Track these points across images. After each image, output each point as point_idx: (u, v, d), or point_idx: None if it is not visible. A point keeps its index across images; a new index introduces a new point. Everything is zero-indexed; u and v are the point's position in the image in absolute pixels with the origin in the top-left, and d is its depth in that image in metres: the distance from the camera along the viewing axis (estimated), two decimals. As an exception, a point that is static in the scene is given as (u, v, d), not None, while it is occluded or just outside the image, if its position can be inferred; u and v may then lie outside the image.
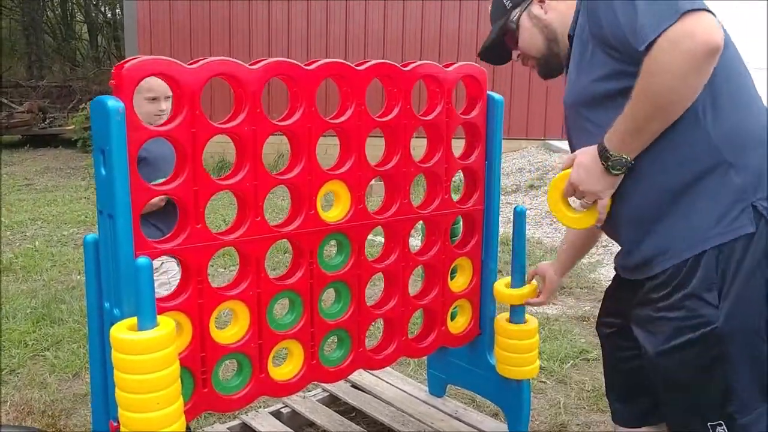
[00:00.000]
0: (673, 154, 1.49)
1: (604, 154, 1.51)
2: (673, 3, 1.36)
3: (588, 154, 1.55)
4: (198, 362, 1.82)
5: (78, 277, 4.65)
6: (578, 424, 2.79)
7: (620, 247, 1.69)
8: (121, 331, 1.55)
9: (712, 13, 1.36)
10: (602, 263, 5.05)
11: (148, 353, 1.53)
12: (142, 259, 1.55)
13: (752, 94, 1.54)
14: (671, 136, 1.47)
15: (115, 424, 1.74)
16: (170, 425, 1.60)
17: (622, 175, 1.53)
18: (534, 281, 2.27)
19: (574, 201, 1.68)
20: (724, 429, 1.52)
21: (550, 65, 1.78)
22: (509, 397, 2.42)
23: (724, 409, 1.51)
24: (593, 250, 5.36)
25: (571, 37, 1.65)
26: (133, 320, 1.59)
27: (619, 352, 1.82)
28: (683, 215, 1.50)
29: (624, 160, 1.49)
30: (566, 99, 1.68)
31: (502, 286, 2.30)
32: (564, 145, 8.88)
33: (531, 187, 7.52)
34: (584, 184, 1.56)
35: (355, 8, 9.05)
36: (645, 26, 1.38)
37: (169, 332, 1.57)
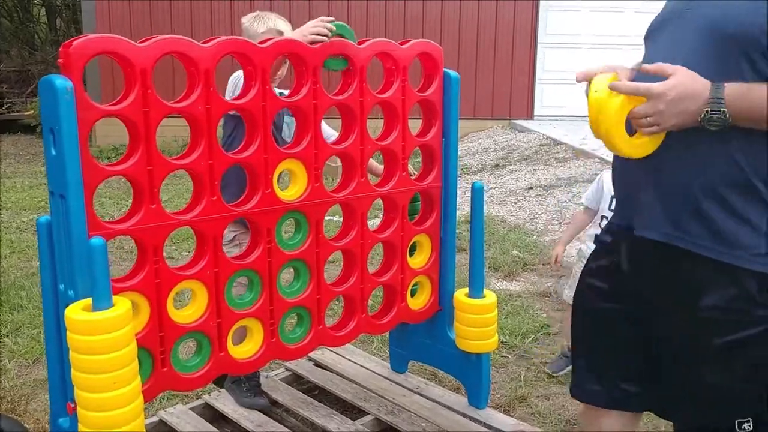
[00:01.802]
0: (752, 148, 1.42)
1: (717, 104, 1.36)
2: None
3: (696, 84, 1.38)
4: (156, 342, 1.82)
5: (37, 263, 4.58)
6: (538, 396, 2.85)
7: (650, 200, 1.54)
8: (76, 312, 1.55)
9: None
10: (564, 240, 5.12)
11: (103, 333, 1.53)
12: (96, 240, 1.55)
13: None
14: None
15: (73, 405, 1.73)
16: (127, 405, 1.60)
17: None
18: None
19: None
20: (750, 424, 1.51)
21: None
22: (469, 370, 2.46)
23: (758, 407, 1.51)
24: (556, 227, 5.45)
25: None
26: (88, 301, 1.58)
27: (623, 336, 1.71)
28: (755, 212, 1.44)
29: (726, 121, 1.37)
30: (713, 20, 1.44)
31: (462, 295, 2.36)
32: (529, 124, 8.96)
33: (496, 166, 7.58)
34: (669, 107, 1.38)
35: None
36: None
37: (125, 312, 1.57)
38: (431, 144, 2.34)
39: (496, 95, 9.28)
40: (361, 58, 2.09)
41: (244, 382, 2.50)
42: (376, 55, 2.14)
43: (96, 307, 1.55)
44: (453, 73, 2.33)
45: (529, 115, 9.39)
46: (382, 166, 2.32)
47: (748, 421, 1.51)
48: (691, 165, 1.46)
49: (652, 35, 1.62)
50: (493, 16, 9.11)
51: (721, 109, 1.36)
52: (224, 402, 2.52)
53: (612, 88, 1.40)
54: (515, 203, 6.16)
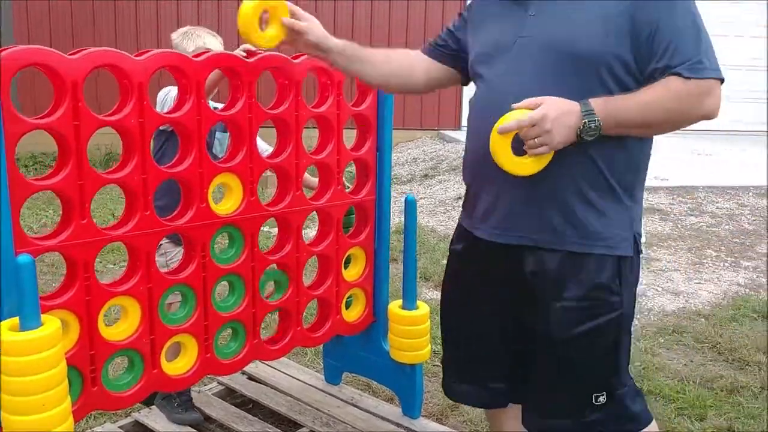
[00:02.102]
0: (624, 155, 1.66)
1: (590, 115, 1.55)
2: (716, 60, 1.58)
3: (567, 104, 1.56)
4: (86, 361, 1.78)
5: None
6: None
7: (523, 205, 1.70)
8: (3, 333, 1.50)
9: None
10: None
11: (32, 354, 1.48)
12: (24, 257, 1.50)
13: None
14: (627, 143, 1.64)
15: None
16: (58, 426, 1.55)
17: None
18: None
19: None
20: (604, 397, 1.72)
21: None
22: (403, 381, 2.50)
23: (609, 380, 1.74)
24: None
25: None
26: (15, 320, 1.53)
27: (486, 337, 1.86)
28: (599, 210, 1.66)
29: (599, 130, 1.56)
30: (561, 41, 1.63)
31: (396, 307, 2.42)
32: (457, 135, 9.12)
33: (425, 176, 7.68)
34: (554, 126, 1.54)
35: None
36: (702, 65, 1.55)
37: (54, 331, 1.53)
38: (365, 158, 2.38)
39: (424, 106, 9.41)
40: (297, 73, 2.10)
41: (174, 397, 2.46)
42: (311, 69, 2.16)
43: (24, 327, 1.50)
44: (387, 88, 2.36)
45: (457, 125, 9.57)
46: (316, 179, 2.33)
47: (602, 395, 1.73)
48: (558, 173, 1.64)
49: (483, 68, 1.76)
50: (422, 27, 9.24)
51: (596, 119, 1.55)
52: (155, 419, 2.47)
53: (501, 131, 1.57)
54: (444, 213, 6.26)
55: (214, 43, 2.43)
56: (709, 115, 1.60)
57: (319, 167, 2.28)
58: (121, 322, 1.88)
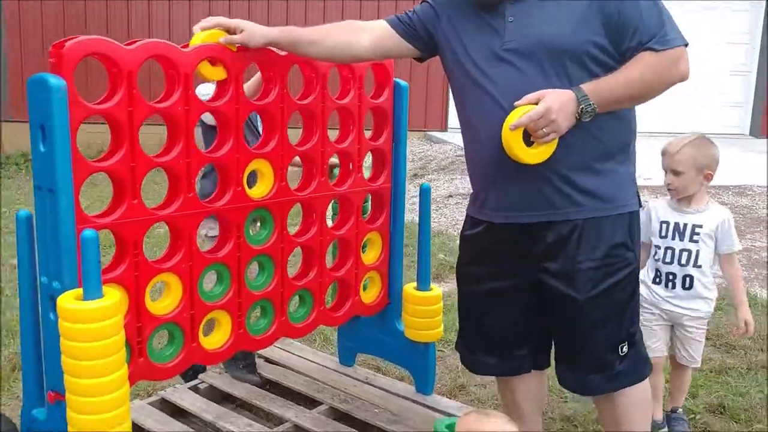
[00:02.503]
0: (616, 122, 1.86)
1: (585, 100, 1.75)
2: (677, 28, 1.80)
3: (565, 94, 1.75)
4: (134, 332, 1.90)
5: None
6: (476, 385, 3.06)
7: (535, 188, 1.87)
8: (69, 302, 1.61)
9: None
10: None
11: (96, 322, 1.60)
12: (88, 232, 1.62)
13: None
14: (618, 111, 1.85)
15: (53, 393, 1.79)
16: (116, 390, 1.67)
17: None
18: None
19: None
20: (626, 346, 1.94)
21: None
22: (417, 359, 2.64)
23: (629, 330, 1.96)
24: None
25: None
26: (79, 291, 1.65)
27: (507, 310, 2.03)
28: (605, 175, 1.88)
29: (594, 112, 1.76)
30: (539, 41, 1.81)
31: (411, 289, 2.57)
32: (444, 136, 9.29)
33: (414, 176, 7.82)
34: (559, 115, 1.72)
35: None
36: (668, 36, 1.77)
37: (117, 301, 1.65)
38: (382, 148, 2.52)
39: (411, 108, 9.49)
40: (323, 66, 2.23)
41: (240, 359, 2.68)
42: (336, 64, 2.29)
43: (87, 297, 1.62)
44: (403, 82, 2.51)
45: (444, 127, 9.73)
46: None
47: (625, 344, 1.94)
48: (564, 153, 1.82)
49: (478, 77, 1.90)
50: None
51: (590, 102, 1.75)
52: (181, 396, 2.58)
53: (513, 128, 1.74)
54: (436, 210, 6.41)
55: None
56: (684, 76, 1.82)
57: (341, 156, 2.41)
58: (164, 297, 2.00)
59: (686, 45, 1.81)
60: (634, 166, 1.97)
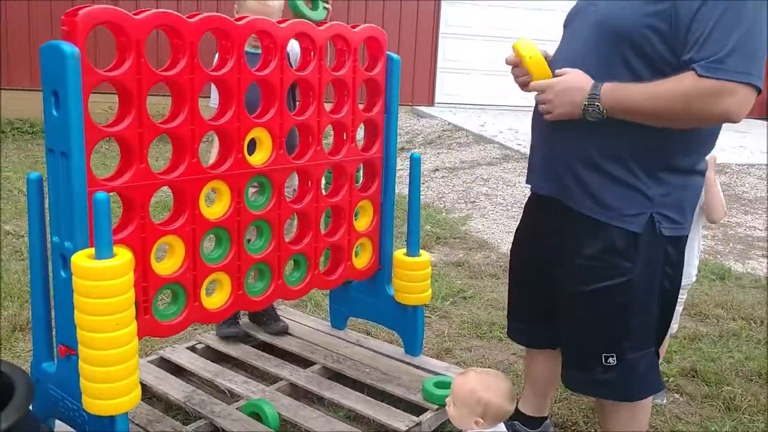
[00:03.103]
0: (644, 137, 1.73)
1: (593, 99, 1.69)
2: (756, 61, 1.56)
3: (578, 81, 1.72)
4: (140, 291, 1.99)
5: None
6: (461, 349, 3.19)
7: (545, 162, 1.93)
8: (84, 260, 1.70)
9: (758, 91, 1.59)
10: (471, 217, 5.53)
11: (109, 279, 1.70)
12: (100, 194, 1.70)
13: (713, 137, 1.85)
14: (637, 126, 1.72)
15: (64, 347, 1.88)
16: (127, 344, 1.77)
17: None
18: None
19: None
20: (614, 359, 1.88)
21: None
22: (406, 322, 2.76)
23: (620, 344, 1.87)
24: (462, 206, 5.85)
25: None
26: (91, 251, 1.74)
27: (532, 284, 2.12)
28: (612, 183, 1.79)
29: (602, 114, 1.70)
30: (597, 22, 1.75)
31: (401, 255, 2.67)
32: (431, 110, 9.38)
33: (401, 149, 7.91)
34: (557, 98, 1.74)
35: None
36: (723, 63, 1.55)
37: (128, 261, 1.74)
38: (375, 119, 2.61)
39: (400, 83, 9.59)
40: (320, 38, 2.31)
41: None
42: (332, 37, 2.38)
43: (99, 256, 1.71)
44: (395, 56, 2.59)
45: (431, 102, 9.81)
46: None
47: (612, 356, 1.89)
48: (573, 139, 1.82)
49: (566, 25, 1.99)
50: (398, 8, 9.42)
51: (596, 103, 1.69)
52: (179, 355, 2.69)
53: (530, 89, 1.87)
54: (423, 183, 6.51)
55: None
56: (726, 117, 1.60)
57: (336, 126, 2.50)
58: (168, 259, 2.09)
59: (751, 85, 1.56)
60: (661, 192, 1.79)
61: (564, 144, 1.85)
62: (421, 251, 2.70)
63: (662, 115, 1.66)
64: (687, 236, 1.90)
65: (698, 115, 1.64)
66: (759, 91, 1.59)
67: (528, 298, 2.17)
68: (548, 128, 1.88)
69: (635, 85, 1.67)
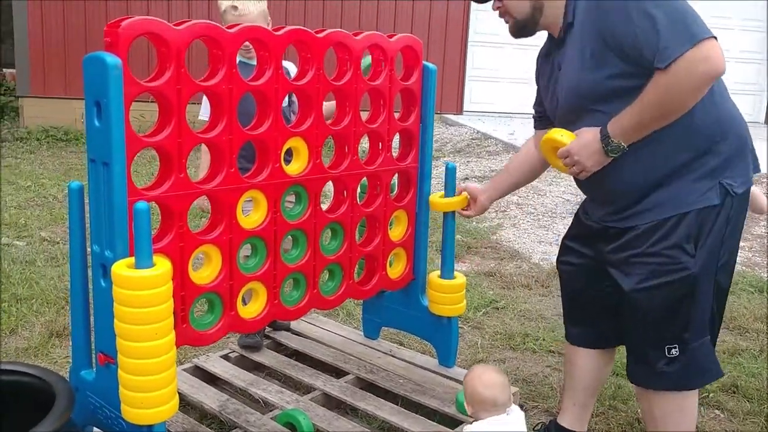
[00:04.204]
0: (662, 146, 1.88)
1: (606, 140, 1.86)
2: (689, 27, 1.69)
3: (591, 132, 1.89)
4: (178, 300, 1.99)
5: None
6: (494, 360, 3.16)
7: (601, 205, 2.10)
8: (124, 269, 1.71)
9: (716, 39, 1.70)
10: (502, 227, 5.49)
11: (148, 289, 1.70)
12: (141, 204, 1.71)
13: (723, 92, 1.95)
14: (662, 131, 1.85)
15: (103, 355, 1.89)
16: (165, 354, 1.78)
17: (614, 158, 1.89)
18: (464, 193, 2.60)
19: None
20: (677, 350, 1.96)
21: (525, 29, 2.05)
22: (440, 333, 2.73)
23: (681, 335, 1.95)
24: (492, 215, 5.81)
25: (569, 25, 1.93)
26: (131, 260, 1.75)
27: (583, 285, 2.23)
28: (667, 188, 1.91)
29: (621, 147, 1.86)
30: (569, 88, 1.97)
31: (437, 197, 2.64)
32: (459, 119, 9.36)
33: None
34: (580, 157, 1.92)
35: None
36: (667, 48, 1.69)
37: (167, 270, 1.75)
38: (411, 128, 2.59)
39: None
40: (357, 49, 2.31)
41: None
42: (369, 46, 2.37)
43: (139, 266, 1.72)
44: (431, 65, 2.58)
45: (459, 110, 9.79)
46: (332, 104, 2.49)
47: (675, 347, 1.97)
48: (625, 176, 1.94)
49: (537, 79, 2.20)
50: (427, 16, 9.43)
51: (611, 141, 1.86)
52: (213, 364, 2.70)
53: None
54: (452, 192, 6.49)
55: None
56: (709, 74, 1.71)
57: (372, 135, 2.49)
58: (205, 268, 2.10)
59: (702, 41, 1.67)
60: (723, 159, 1.91)
61: (626, 176, 1.95)
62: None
63: (664, 114, 1.80)
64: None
65: (687, 92, 1.74)
66: (713, 37, 1.69)
67: (588, 298, 2.23)
68: (599, 185, 2.03)
69: (628, 109, 1.82)
